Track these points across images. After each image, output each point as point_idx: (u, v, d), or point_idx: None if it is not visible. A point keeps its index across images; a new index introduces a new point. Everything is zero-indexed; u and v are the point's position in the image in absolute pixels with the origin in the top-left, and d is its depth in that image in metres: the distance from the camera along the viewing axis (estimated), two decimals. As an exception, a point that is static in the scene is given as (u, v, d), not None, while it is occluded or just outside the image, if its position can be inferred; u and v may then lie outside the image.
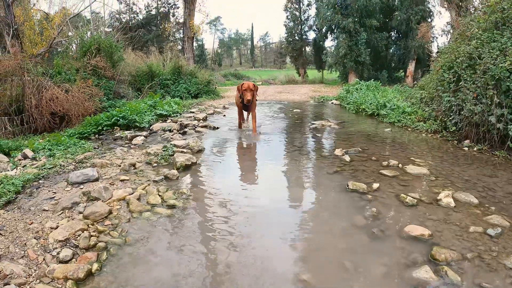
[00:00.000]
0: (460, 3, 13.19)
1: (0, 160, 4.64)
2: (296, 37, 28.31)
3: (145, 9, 27.81)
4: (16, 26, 9.56)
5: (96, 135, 6.59)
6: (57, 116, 7.41)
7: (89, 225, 2.79)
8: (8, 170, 4.12)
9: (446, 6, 15.67)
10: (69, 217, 2.91)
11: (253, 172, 4.54)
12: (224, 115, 9.33)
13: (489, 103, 5.17)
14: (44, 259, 2.32)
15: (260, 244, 2.57)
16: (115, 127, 6.93)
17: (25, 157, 4.80)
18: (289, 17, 27.98)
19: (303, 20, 28.04)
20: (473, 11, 9.62)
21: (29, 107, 7.18)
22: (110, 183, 3.65)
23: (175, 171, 4.06)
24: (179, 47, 25.04)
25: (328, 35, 24.23)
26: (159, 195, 3.41)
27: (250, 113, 6.93)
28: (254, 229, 2.80)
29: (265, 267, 2.29)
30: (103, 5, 19.22)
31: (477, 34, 6.13)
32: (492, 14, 6.10)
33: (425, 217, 2.97)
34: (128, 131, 6.66)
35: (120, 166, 4.27)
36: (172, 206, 3.20)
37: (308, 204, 3.27)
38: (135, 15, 27.47)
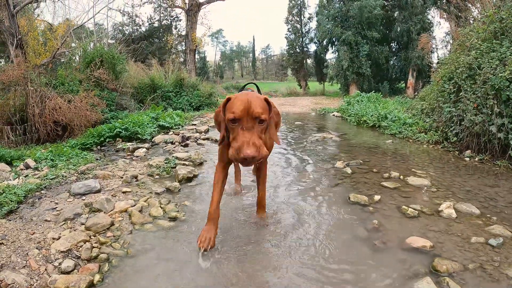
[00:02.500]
0: (459, 14, 13.30)
1: (2, 170, 4.66)
2: (297, 50, 28.58)
3: (147, 22, 28.14)
4: (20, 36, 9.70)
5: (98, 147, 6.61)
6: (60, 125, 7.45)
7: (91, 236, 2.79)
8: (10, 180, 4.13)
9: (445, 17, 15.82)
10: (71, 228, 2.92)
11: (254, 184, 4.54)
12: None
13: (490, 113, 5.19)
14: (46, 269, 2.33)
15: (261, 253, 2.56)
16: (117, 139, 6.97)
17: (27, 167, 4.82)
18: (290, 29, 28.30)
19: (304, 32, 28.35)
20: (472, 22, 9.71)
21: (32, 116, 7.23)
22: (112, 195, 3.66)
23: (177, 184, 4.06)
24: (181, 59, 25.27)
25: (329, 47, 24.49)
26: (161, 207, 3.41)
27: (256, 172, 3.24)
28: (254, 241, 2.79)
29: (265, 279, 2.29)
30: (107, 17, 19.49)
31: (477, 44, 6.18)
32: (491, 24, 6.16)
33: (426, 229, 2.97)
34: (130, 143, 6.69)
35: (122, 178, 4.28)
36: (174, 219, 3.20)
37: (309, 217, 3.27)
38: (138, 27, 27.77)
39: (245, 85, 3.61)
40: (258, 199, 3.24)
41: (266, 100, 2.45)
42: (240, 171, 4.16)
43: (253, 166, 3.35)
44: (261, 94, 3.01)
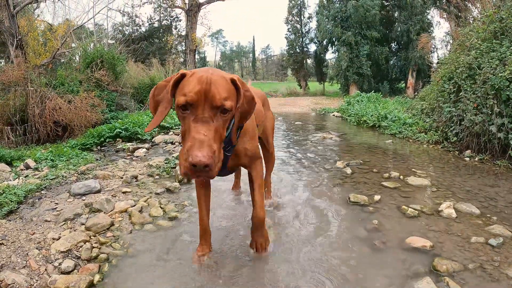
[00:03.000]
0: (459, 14, 13.32)
1: (3, 170, 4.67)
2: (297, 50, 28.56)
3: (147, 22, 28.09)
4: (20, 37, 9.70)
5: (98, 147, 6.61)
6: (60, 125, 7.45)
7: (91, 237, 2.79)
8: (10, 180, 4.14)
9: (445, 16, 15.82)
10: (71, 228, 2.92)
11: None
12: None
13: (490, 112, 5.19)
14: (46, 269, 2.33)
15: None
16: (117, 139, 6.97)
17: (27, 167, 4.82)
18: (290, 29, 28.29)
19: (304, 32, 28.34)
20: (472, 22, 9.71)
21: (32, 117, 7.24)
22: (112, 195, 3.66)
23: (177, 184, 4.06)
24: (181, 59, 25.26)
25: (329, 47, 24.49)
26: (161, 208, 3.41)
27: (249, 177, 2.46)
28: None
29: (271, 277, 2.29)
30: (107, 18, 19.51)
31: (476, 44, 6.18)
32: (491, 24, 6.16)
33: (426, 228, 2.97)
34: (130, 143, 6.69)
35: (122, 178, 4.28)
36: (173, 219, 3.20)
37: (309, 217, 3.26)
38: (138, 28, 27.73)
39: None
40: (254, 211, 2.44)
41: (234, 82, 1.82)
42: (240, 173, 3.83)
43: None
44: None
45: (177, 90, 1.76)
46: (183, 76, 1.77)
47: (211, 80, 1.67)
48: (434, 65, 13.94)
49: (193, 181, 2.57)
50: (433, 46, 18.20)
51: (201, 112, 1.65)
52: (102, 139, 6.85)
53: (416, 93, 15.04)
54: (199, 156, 1.55)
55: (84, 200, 3.51)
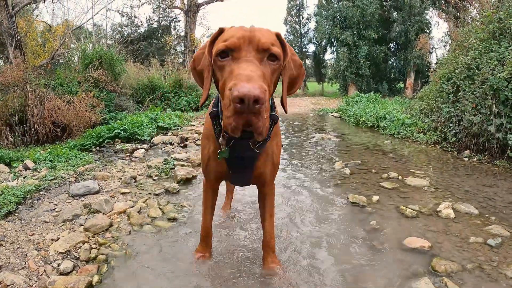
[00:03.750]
0: (458, 14, 13.33)
1: (1, 171, 4.66)
2: (296, 50, 28.54)
3: (146, 22, 28.12)
4: (19, 37, 9.70)
5: (97, 147, 6.61)
6: (59, 126, 7.45)
7: (90, 238, 2.79)
8: (9, 181, 4.13)
9: (444, 17, 15.85)
10: (70, 229, 2.92)
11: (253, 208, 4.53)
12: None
13: (488, 113, 5.20)
14: (45, 270, 2.32)
15: (257, 257, 2.57)
16: (116, 140, 6.96)
17: (26, 168, 4.81)
18: (289, 30, 28.34)
19: (302, 33, 28.39)
20: (470, 22, 9.73)
21: (31, 117, 7.23)
22: (111, 196, 3.66)
23: (175, 185, 4.06)
24: (180, 60, 25.25)
25: (327, 48, 24.50)
26: (160, 208, 3.41)
27: (260, 200, 2.29)
28: (254, 243, 2.79)
29: (269, 278, 2.29)
30: (105, 18, 19.50)
31: (475, 45, 6.20)
32: (490, 25, 6.17)
33: (425, 229, 2.97)
34: (129, 144, 6.68)
35: (121, 179, 4.28)
36: (172, 219, 3.20)
37: (308, 218, 3.27)
38: (137, 28, 27.76)
39: None
40: (265, 240, 2.29)
41: (278, 36, 1.62)
42: (232, 191, 3.43)
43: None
44: None
45: (215, 44, 1.55)
46: (221, 31, 1.58)
47: (255, 28, 1.51)
48: (433, 65, 13.96)
49: (201, 184, 2.47)
50: (432, 47, 18.24)
51: (245, 54, 1.42)
52: (101, 139, 6.85)
53: (415, 93, 15.08)
54: (249, 86, 1.25)
55: (83, 201, 3.51)
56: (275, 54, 1.46)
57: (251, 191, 3.67)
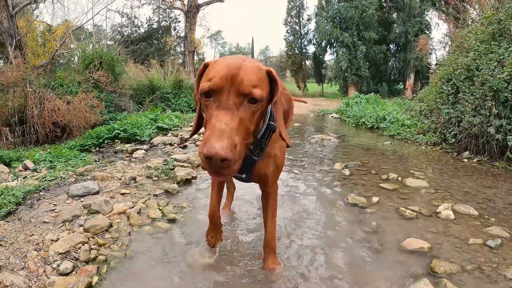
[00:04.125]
0: (458, 15, 13.34)
1: (1, 171, 4.66)
2: (296, 51, 28.59)
3: (146, 23, 28.10)
4: (19, 37, 9.69)
5: (97, 148, 6.61)
6: (59, 126, 7.45)
7: (90, 238, 2.79)
8: (9, 181, 4.13)
9: (443, 18, 15.87)
10: (69, 229, 2.92)
11: (252, 186, 4.54)
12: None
13: (488, 114, 5.21)
14: (44, 271, 2.32)
15: (256, 258, 2.57)
16: (115, 140, 6.96)
17: (26, 168, 4.81)
18: (289, 31, 28.31)
19: (303, 34, 28.37)
20: (470, 23, 9.74)
21: (30, 117, 7.24)
22: (110, 197, 3.66)
23: (175, 185, 4.06)
24: (180, 60, 25.25)
25: (327, 48, 24.51)
26: (159, 209, 3.41)
27: (262, 200, 2.38)
28: (254, 244, 2.79)
29: (269, 279, 2.29)
30: (105, 19, 19.50)
31: (475, 46, 6.20)
32: (489, 26, 6.17)
33: (424, 230, 2.97)
34: (128, 145, 6.69)
35: (120, 179, 4.28)
36: (172, 220, 3.20)
37: (307, 219, 3.27)
38: (137, 29, 27.73)
39: None
40: (266, 240, 2.33)
41: (269, 73, 1.60)
42: (233, 193, 3.46)
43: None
44: None
45: (202, 79, 1.57)
46: (206, 66, 1.59)
47: (242, 65, 1.47)
48: (433, 66, 13.98)
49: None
50: (431, 48, 18.25)
51: (225, 98, 1.43)
52: (101, 140, 6.85)
53: (414, 94, 15.09)
54: (216, 147, 1.31)
55: (82, 201, 3.51)
56: (255, 98, 1.46)
57: (251, 190, 3.75)
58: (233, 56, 1.56)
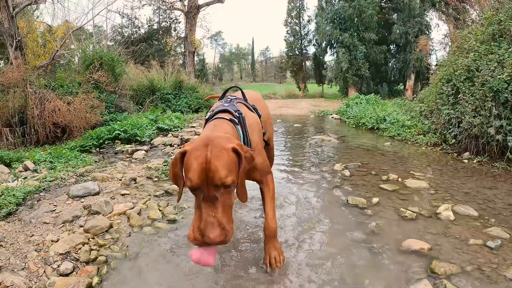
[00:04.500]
0: (458, 16, 13.35)
1: (1, 171, 4.66)
2: (296, 52, 28.54)
3: (147, 24, 28.11)
4: (19, 38, 9.69)
5: (97, 149, 6.62)
6: (59, 127, 7.46)
7: (90, 239, 2.79)
8: (9, 182, 4.14)
9: (443, 19, 15.86)
10: (69, 230, 2.92)
11: (253, 184, 4.54)
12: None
13: (488, 115, 5.20)
14: (44, 271, 2.33)
15: (255, 259, 2.57)
16: (116, 141, 6.97)
17: (26, 169, 4.82)
18: (289, 32, 28.27)
19: (303, 35, 28.31)
20: (470, 24, 9.74)
21: (31, 118, 7.24)
22: (111, 197, 3.66)
23: (175, 186, 4.05)
24: (180, 61, 25.25)
25: (327, 49, 24.47)
26: (160, 210, 3.41)
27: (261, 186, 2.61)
28: (255, 243, 2.80)
29: (269, 279, 2.29)
30: (106, 19, 19.50)
31: (475, 47, 6.19)
32: (489, 26, 6.17)
33: (424, 231, 2.97)
34: (129, 145, 6.69)
35: (121, 180, 4.29)
36: (172, 221, 3.20)
37: (308, 220, 3.27)
38: (137, 29, 27.74)
39: (227, 90, 2.98)
40: (265, 222, 2.43)
41: (235, 150, 1.83)
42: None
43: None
44: (246, 99, 2.67)
45: (184, 168, 1.82)
46: (184, 154, 1.82)
47: (210, 159, 1.71)
48: (433, 67, 13.97)
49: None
50: (431, 48, 18.24)
51: (206, 192, 1.70)
52: (101, 141, 6.86)
53: (415, 95, 15.06)
54: (211, 238, 1.65)
55: (83, 202, 3.51)
56: (228, 185, 1.72)
57: (250, 189, 3.69)
58: (203, 139, 1.82)
